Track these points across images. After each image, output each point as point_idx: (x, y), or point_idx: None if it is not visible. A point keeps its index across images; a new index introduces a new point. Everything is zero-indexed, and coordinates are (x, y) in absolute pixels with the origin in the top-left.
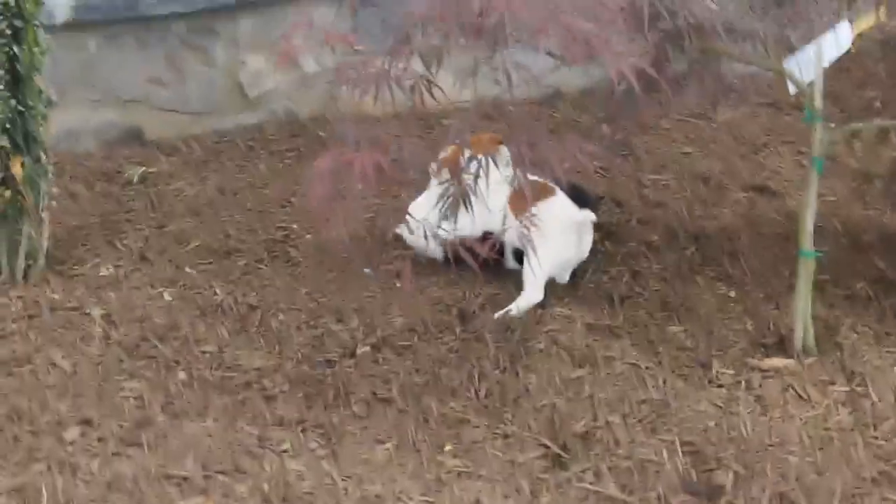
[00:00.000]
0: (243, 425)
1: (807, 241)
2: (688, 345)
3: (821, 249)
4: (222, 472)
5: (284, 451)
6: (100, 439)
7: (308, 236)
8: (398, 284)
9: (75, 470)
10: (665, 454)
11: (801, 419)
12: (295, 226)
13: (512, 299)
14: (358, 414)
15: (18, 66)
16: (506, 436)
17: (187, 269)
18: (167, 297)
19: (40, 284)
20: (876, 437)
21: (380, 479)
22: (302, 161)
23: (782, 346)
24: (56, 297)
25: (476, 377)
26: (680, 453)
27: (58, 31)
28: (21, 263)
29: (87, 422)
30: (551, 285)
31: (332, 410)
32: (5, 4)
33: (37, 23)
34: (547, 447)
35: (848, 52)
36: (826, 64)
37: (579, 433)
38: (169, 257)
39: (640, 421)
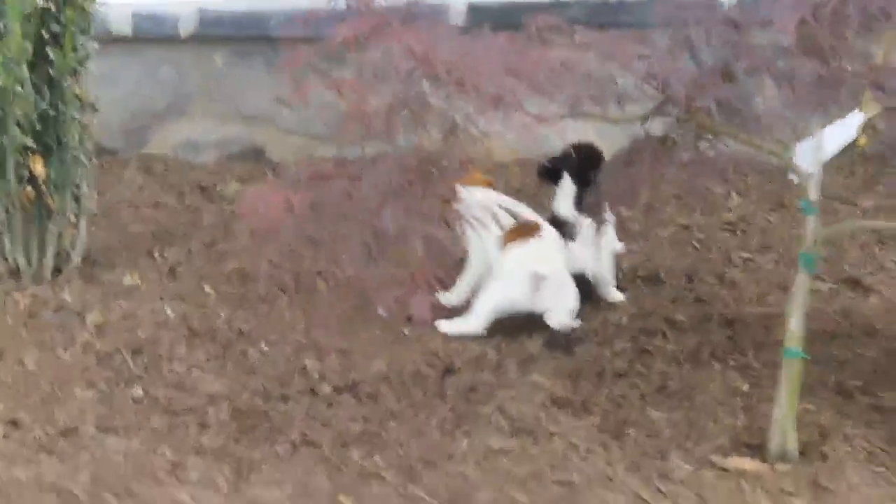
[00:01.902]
0: (165, 450)
1: (792, 341)
2: (662, 433)
3: (869, 354)
4: (112, 493)
5: (190, 481)
6: (20, 442)
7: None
8: (405, 332)
9: None
10: None
11: None
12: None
13: (511, 355)
14: (280, 454)
15: (51, 70)
16: (408, 498)
17: (206, 289)
18: (169, 312)
19: (63, 285)
20: None
21: None
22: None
23: (764, 448)
24: (67, 299)
25: (414, 434)
26: None
27: (183, 43)
28: (49, 263)
29: (15, 423)
30: (540, 354)
31: (256, 446)
32: (46, 9)
33: (75, 28)
34: None
35: (855, 142)
36: (829, 154)
37: None
38: (197, 275)
39: (546, 502)
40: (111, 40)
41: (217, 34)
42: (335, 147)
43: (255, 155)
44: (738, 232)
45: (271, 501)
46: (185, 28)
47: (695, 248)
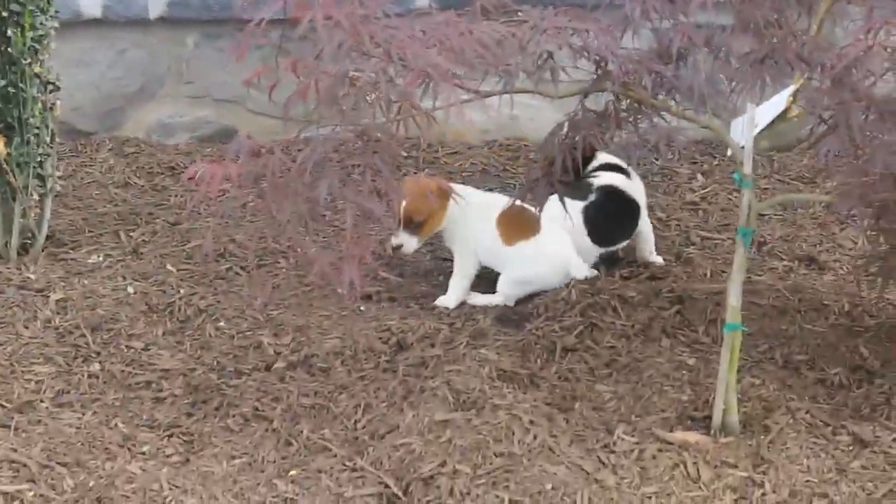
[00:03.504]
0: (118, 423)
1: (731, 316)
2: (608, 406)
3: (817, 329)
4: (63, 464)
5: (141, 453)
6: None
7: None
8: (362, 308)
9: None
10: None
11: (676, 498)
12: (309, 240)
13: (463, 330)
14: (231, 427)
15: (11, 49)
16: (354, 469)
17: (168, 267)
18: (130, 290)
19: (28, 263)
20: None
21: (203, 493)
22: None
23: (709, 421)
24: (31, 277)
25: (362, 408)
26: None
27: (153, 25)
28: (15, 241)
29: None
30: (491, 330)
31: (208, 420)
32: None
33: (33, 7)
34: (387, 487)
35: (784, 115)
36: (760, 127)
37: (424, 477)
38: (160, 253)
39: (488, 473)
40: (81, 22)
41: (186, 16)
42: (296, 126)
43: (227, 137)
44: (699, 211)
45: (220, 474)
46: (154, 10)
47: (654, 226)
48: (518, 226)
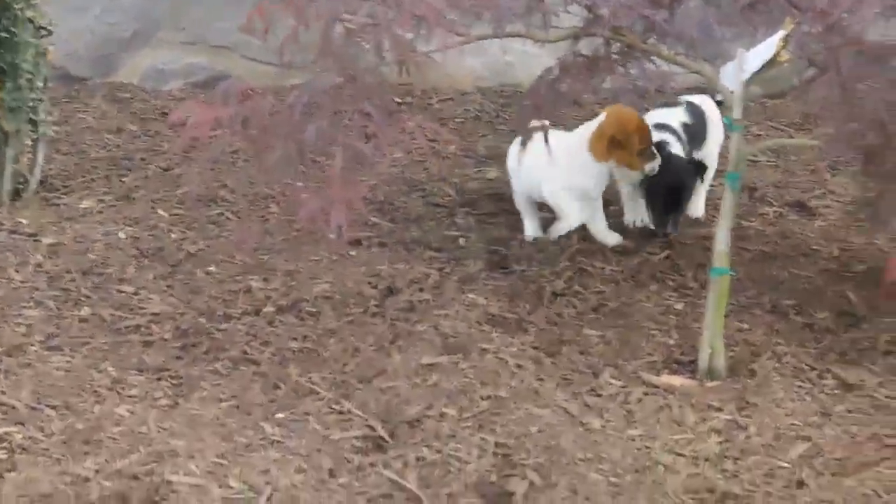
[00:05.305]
0: (107, 366)
1: (718, 260)
2: (595, 350)
3: (805, 274)
4: (52, 407)
5: (130, 397)
6: None
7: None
8: (352, 253)
9: None
10: (475, 453)
11: (661, 441)
12: (300, 184)
13: (453, 275)
14: (220, 371)
15: None
16: (341, 412)
17: (160, 212)
18: (122, 235)
19: (20, 208)
20: (726, 471)
21: (191, 436)
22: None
23: (695, 365)
24: (23, 221)
25: (350, 352)
26: (490, 454)
27: None
28: (7, 186)
29: None
30: (481, 275)
31: (197, 364)
32: None
33: None
34: (373, 429)
35: (773, 60)
36: (749, 72)
37: (410, 420)
38: (151, 198)
39: (474, 416)
40: None
41: None
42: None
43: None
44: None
45: (208, 416)
46: None
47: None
48: None
